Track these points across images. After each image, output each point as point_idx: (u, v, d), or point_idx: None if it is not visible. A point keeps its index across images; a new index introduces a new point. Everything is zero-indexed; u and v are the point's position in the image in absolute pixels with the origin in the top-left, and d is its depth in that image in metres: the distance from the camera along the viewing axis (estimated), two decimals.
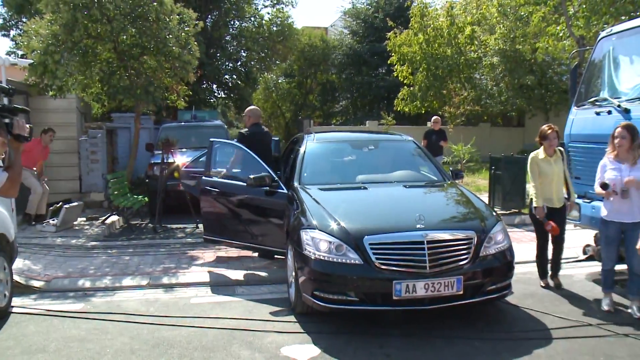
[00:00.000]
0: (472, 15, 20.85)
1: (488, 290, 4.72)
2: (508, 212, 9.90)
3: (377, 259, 4.51)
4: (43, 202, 9.57)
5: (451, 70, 19.21)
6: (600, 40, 6.49)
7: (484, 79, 21.53)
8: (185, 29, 11.07)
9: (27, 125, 3.09)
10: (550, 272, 5.95)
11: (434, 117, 12.17)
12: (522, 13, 16.34)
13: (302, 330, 4.78)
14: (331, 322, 4.91)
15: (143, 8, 10.01)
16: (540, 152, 5.79)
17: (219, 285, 6.28)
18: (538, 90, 20.69)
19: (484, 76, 21.47)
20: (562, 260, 6.08)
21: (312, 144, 6.84)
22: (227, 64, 23.98)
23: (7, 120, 3.04)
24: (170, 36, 10.37)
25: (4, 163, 3.08)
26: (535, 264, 6.09)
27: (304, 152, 6.57)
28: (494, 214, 5.32)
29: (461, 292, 4.52)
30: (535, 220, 5.80)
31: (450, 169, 6.79)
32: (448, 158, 14.27)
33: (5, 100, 3.25)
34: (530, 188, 6.02)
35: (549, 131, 5.69)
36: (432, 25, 19.31)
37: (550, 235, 5.79)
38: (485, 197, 10.26)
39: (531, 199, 5.80)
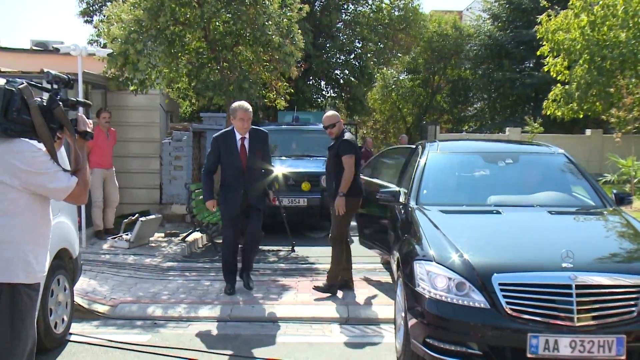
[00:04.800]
0: None
1: None
2: None
3: (508, 303, 4.27)
4: (109, 214, 10.12)
5: (624, 62, 18.02)
6: None
7: None
8: (288, 14, 11.26)
9: (89, 121, 3.17)
10: None
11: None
12: None
13: None
14: None
15: None
16: None
17: (314, 321, 6.26)
18: None
19: None
20: None
21: (435, 154, 6.80)
22: (338, 56, 24.27)
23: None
24: (270, 23, 10.55)
25: (71, 165, 3.15)
26: None
27: (425, 164, 6.54)
28: None
29: (623, 358, 4.15)
30: None
31: (614, 191, 6.37)
32: (613, 177, 13.46)
33: (65, 93, 3.32)
34: None
35: None
36: (601, 2, 18.27)
37: None
38: None
39: None
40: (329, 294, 7.04)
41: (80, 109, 5.56)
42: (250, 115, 6.90)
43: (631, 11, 17.61)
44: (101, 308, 6.54)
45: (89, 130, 3.12)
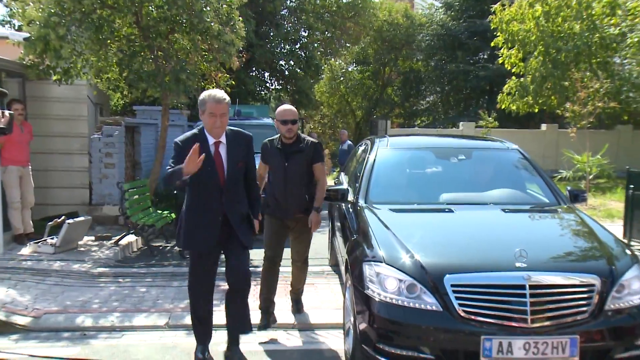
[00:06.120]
0: None
1: (617, 358, 4.47)
2: None
3: (460, 305, 4.37)
4: (25, 216, 9.89)
5: (579, 54, 18.55)
6: None
7: (626, 65, 20.65)
8: (228, 0, 11.23)
9: (6, 112, 2.88)
10: None
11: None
12: None
13: None
14: None
15: None
16: None
17: (258, 328, 6.26)
18: None
19: (627, 60, 20.54)
20: None
21: (385, 151, 6.91)
22: (282, 46, 24.31)
23: None
24: (208, 9, 10.53)
25: None
26: None
27: (374, 161, 6.65)
28: (628, 251, 5.08)
29: (576, 358, 4.29)
30: None
31: (568, 188, 6.56)
32: (569, 173, 13.84)
33: None
34: None
35: None
36: None
37: None
38: (619, 227, 9.89)
39: None
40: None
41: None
42: (226, 110, 5.07)
43: (584, 2, 18.12)
44: (22, 320, 6.39)
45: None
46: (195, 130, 5.22)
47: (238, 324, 5.33)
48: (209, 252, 5.22)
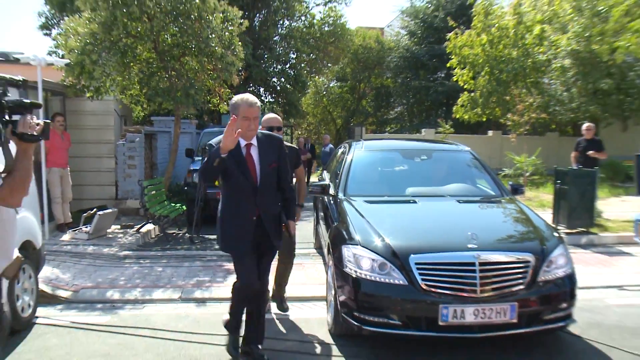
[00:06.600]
0: (542, 12, 20.31)
1: (546, 319, 4.54)
2: (574, 231, 9.56)
3: (423, 280, 4.40)
4: (65, 209, 9.92)
5: (516, 75, 18.80)
6: None
7: (553, 84, 20.95)
8: (229, 28, 11.24)
9: (41, 121, 2.77)
10: None
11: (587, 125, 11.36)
12: (601, 8, 15.79)
13: (338, 354, 4.72)
14: (371, 347, 4.82)
15: (185, 5, 10.16)
16: None
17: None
18: (615, 96, 19.87)
19: (553, 81, 20.89)
20: (634, 287, 5.77)
21: (360, 152, 6.90)
22: (275, 66, 24.22)
23: (7, 117, 2.65)
24: (213, 36, 10.52)
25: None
26: (601, 290, 5.84)
27: (351, 160, 6.64)
28: (556, 234, 5.13)
29: (515, 320, 4.35)
30: None
31: (510, 183, 6.61)
32: (510, 171, 13.94)
33: (17, 94, 2.80)
34: None
35: None
36: (496, 25, 18.98)
37: None
38: (549, 215, 9.98)
39: None
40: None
41: (42, 114, 5.16)
42: (258, 113, 4.37)
43: (519, 34, 18.51)
44: (64, 293, 6.39)
45: (29, 132, 2.64)
46: None
47: (254, 335, 4.65)
48: (248, 253, 4.45)
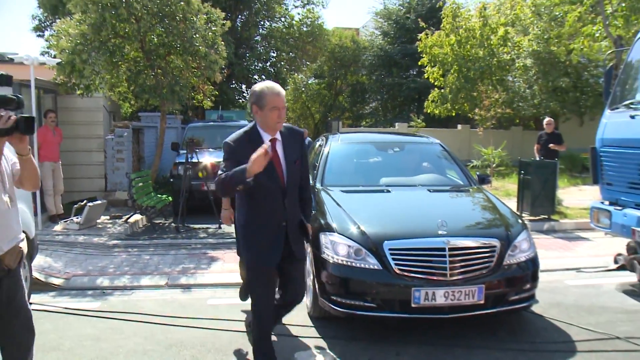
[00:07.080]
0: (505, 16, 20.57)
1: (511, 300, 4.58)
2: (537, 217, 9.68)
3: (396, 264, 4.40)
4: (57, 201, 9.85)
5: (483, 73, 18.95)
6: (639, 39, 6.24)
7: (516, 82, 21.18)
8: (213, 28, 11.15)
9: (13, 115, 2.69)
10: None
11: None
12: (557, 13, 16.09)
13: (317, 335, 4.71)
14: (348, 328, 4.82)
15: (170, 7, 10.09)
16: None
17: (237, 286, 6.17)
18: (572, 93, 20.31)
19: (516, 79, 21.13)
20: (591, 269, 5.85)
21: (337, 144, 6.84)
22: (256, 64, 24.03)
23: None
24: (197, 36, 10.43)
25: None
26: (561, 272, 5.91)
27: (328, 152, 6.57)
28: (520, 221, 5.16)
29: (482, 302, 4.38)
30: None
31: (477, 173, 6.64)
32: (478, 162, 14.03)
33: (10, 92, 2.74)
34: None
35: None
36: (464, 27, 19.08)
37: None
38: (513, 203, 10.07)
39: None
40: None
41: (34, 111, 5.09)
42: (285, 102, 3.60)
43: (485, 35, 18.70)
44: (56, 281, 6.32)
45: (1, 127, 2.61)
46: (246, 128, 3.67)
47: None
48: (270, 269, 3.72)
